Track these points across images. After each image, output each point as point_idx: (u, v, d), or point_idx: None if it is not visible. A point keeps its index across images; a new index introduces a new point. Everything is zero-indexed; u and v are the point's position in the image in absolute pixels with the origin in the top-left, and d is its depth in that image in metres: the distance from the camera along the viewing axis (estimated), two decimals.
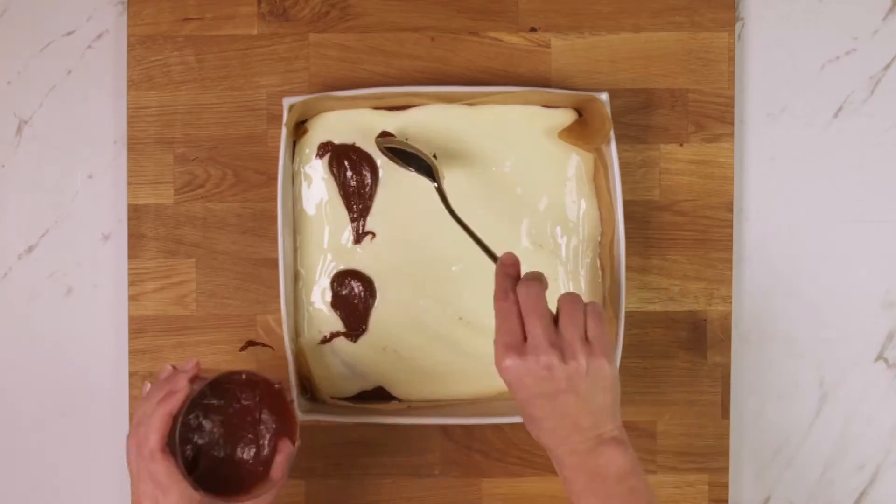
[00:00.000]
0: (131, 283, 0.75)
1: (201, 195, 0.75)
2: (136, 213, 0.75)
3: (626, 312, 0.70)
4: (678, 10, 0.75)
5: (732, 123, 0.76)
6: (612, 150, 0.70)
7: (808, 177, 0.78)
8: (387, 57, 0.75)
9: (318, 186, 0.74)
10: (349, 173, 0.74)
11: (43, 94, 0.76)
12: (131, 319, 0.75)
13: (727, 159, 0.76)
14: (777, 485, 0.78)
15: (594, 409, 0.58)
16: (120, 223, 0.76)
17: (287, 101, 0.69)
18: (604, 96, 0.70)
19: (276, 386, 0.61)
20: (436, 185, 0.70)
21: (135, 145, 0.75)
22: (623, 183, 0.71)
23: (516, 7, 0.75)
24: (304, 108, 0.71)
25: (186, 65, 0.75)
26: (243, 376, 0.61)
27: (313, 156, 0.73)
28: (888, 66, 0.78)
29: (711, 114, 0.76)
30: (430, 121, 0.73)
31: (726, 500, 0.76)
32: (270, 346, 0.75)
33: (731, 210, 0.76)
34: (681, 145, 0.76)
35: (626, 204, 0.71)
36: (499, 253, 0.64)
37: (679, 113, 0.76)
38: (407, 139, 0.72)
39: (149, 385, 0.62)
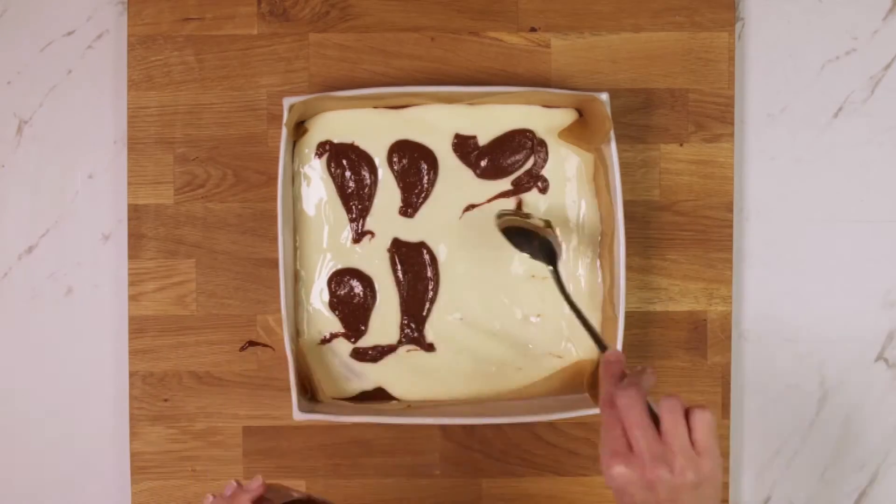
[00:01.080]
0: (131, 283, 0.75)
1: (201, 195, 0.75)
2: (136, 213, 0.75)
3: (626, 312, 0.70)
4: (678, 10, 0.75)
5: (732, 123, 0.76)
6: (613, 150, 0.70)
7: (808, 177, 0.78)
8: (387, 57, 0.75)
9: (317, 186, 0.74)
10: (348, 173, 0.74)
11: (43, 94, 0.76)
12: (131, 319, 0.75)
13: (727, 159, 0.76)
14: (777, 485, 0.78)
15: None
16: (120, 223, 0.76)
17: (287, 101, 0.69)
18: (604, 96, 0.70)
19: None
20: (551, 268, 0.69)
21: (135, 145, 0.75)
22: (623, 183, 0.71)
23: (516, 7, 0.75)
24: (304, 108, 0.71)
25: (186, 65, 0.75)
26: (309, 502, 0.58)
27: (312, 155, 0.73)
28: (888, 66, 0.78)
29: (711, 114, 0.76)
30: (430, 121, 0.73)
31: (726, 500, 0.76)
32: (270, 346, 0.75)
33: (731, 210, 0.76)
34: (681, 145, 0.76)
35: (626, 204, 0.71)
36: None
37: (679, 113, 0.76)
38: (529, 216, 0.72)
39: (210, 498, 0.59)
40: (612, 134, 0.69)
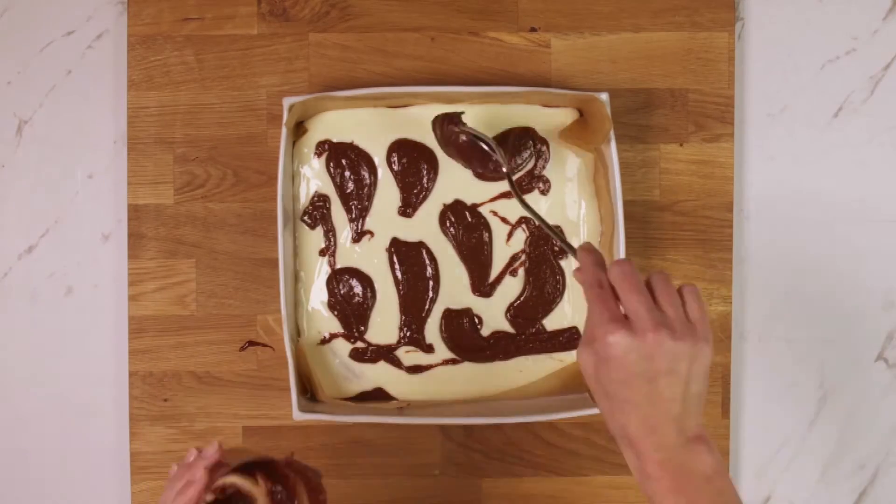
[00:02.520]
0: (131, 283, 0.75)
1: (201, 195, 0.75)
2: (136, 213, 0.75)
3: None
4: (678, 10, 0.75)
5: (732, 123, 0.76)
6: (612, 150, 0.70)
7: (808, 177, 0.78)
8: (387, 57, 0.75)
9: (316, 186, 0.74)
10: (347, 173, 0.74)
11: (43, 94, 0.76)
12: (131, 319, 0.75)
13: (727, 159, 0.76)
14: (777, 485, 0.78)
15: (688, 397, 0.54)
16: (120, 223, 0.76)
17: (287, 101, 0.69)
18: (604, 96, 0.70)
19: (310, 473, 0.57)
20: (505, 170, 0.70)
21: (135, 145, 0.75)
22: (623, 183, 0.71)
23: (516, 7, 0.75)
24: (303, 108, 0.71)
25: (186, 65, 0.75)
26: (269, 464, 0.56)
27: (312, 155, 0.74)
28: (888, 66, 0.78)
29: (711, 114, 0.76)
30: (430, 120, 0.73)
31: None
32: (270, 346, 0.75)
33: (731, 210, 0.76)
34: (681, 145, 0.76)
35: (626, 204, 0.71)
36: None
37: (679, 113, 0.76)
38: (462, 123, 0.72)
39: (175, 468, 0.59)
40: (612, 134, 0.69)
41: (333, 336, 0.74)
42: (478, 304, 0.75)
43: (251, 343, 0.75)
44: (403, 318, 0.74)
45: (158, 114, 0.75)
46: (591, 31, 0.75)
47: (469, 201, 0.74)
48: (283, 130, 0.69)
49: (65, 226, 0.77)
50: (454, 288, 0.74)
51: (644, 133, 0.75)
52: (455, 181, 0.74)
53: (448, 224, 0.74)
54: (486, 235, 0.74)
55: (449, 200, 0.74)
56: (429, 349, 0.74)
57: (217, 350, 0.75)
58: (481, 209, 0.74)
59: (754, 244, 0.77)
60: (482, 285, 0.74)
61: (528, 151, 0.73)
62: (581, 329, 0.74)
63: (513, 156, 0.73)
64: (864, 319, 0.78)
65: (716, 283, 0.76)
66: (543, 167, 0.74)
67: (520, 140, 0.73)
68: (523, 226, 0.74)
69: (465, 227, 0.74)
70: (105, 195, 0.77)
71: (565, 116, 0.74)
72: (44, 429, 0.77)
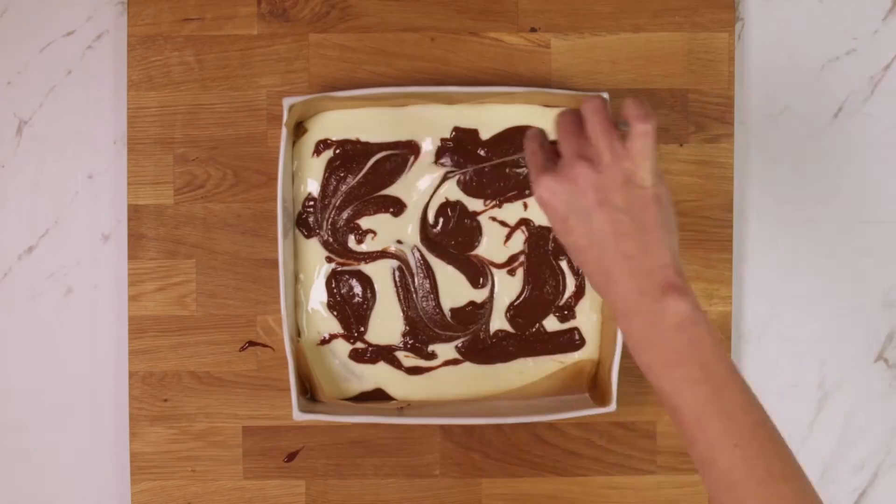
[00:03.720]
0: (131, 284, 0.75)
1: (201, 195, 0.75)
2: (136, 214, 0.75)
3: None
4: (678, 10, 0.75)
5: (732, 123, 0.76)
6: None
7: (808, 177, 0.78)
8: (387, 57, 0.75)
9: (316, 186, 0.74)
10: (346, 172, 0.74)
11: (43, 94, 0.76)
12: (131, 319, 0.75)
13: (727, 159, 0.76)
14: None
15: (639, 232, 0.52)
16: (120, 223, 0.76)
17: (287, 102, 0.69)
18: (604, 96, 0.70)
19: None
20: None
21: (135, 145, 0.75)
22: None
23: (516, 7, 0.75)
24: (304, 109, 0.71)
25: (186, 65, 0.75)
26: None
27: (311, 154, 0.73)
28: (888, 66, 0.78)
29: (711, 114, 0.76)
30: (430, 121, 0.73)
31: None
32: (270, 347, 0.75)
33: (731, 210, 0.76)
34: (681, 145, 0.76)
35: None
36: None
37: (679, 113, 0.76)
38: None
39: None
40: None
41: (333, 336, 0.74)
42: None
43: (251, 343, 0.75)
44: (406, 326, 0.74)
45: (158, 114, 0.75)
46: (591, 31, 0.75)
47: (469, 206, 0.74)
48: (284, 131, 0.69)
49: (65, 226, 0.77)
50: (453, 288, 0.74)
51: None
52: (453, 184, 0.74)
53: (443, 222, 0.74)
54: (479, 237, 0.74)
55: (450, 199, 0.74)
56: (430, 357, 0.74)
57: (217, 350, 0.75)
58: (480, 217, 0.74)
59: (754, 244, 0.77)
60: (477, 285, 0.74)
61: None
62: (581, 330, 0.75)
63: (520, 153, 0.73)
64: (864, 319, 0.78)
65: (716, 283, 0.76)
66: None
67: (519, 139, 0.73)
68: (522, 227, 0.74)
69: (462, 228, 0.74)
70: (105, 195, 0.77)
71: None
72: (44, 429, 0.77)
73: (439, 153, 0.74)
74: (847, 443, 0.78)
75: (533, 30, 0.75)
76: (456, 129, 0.74)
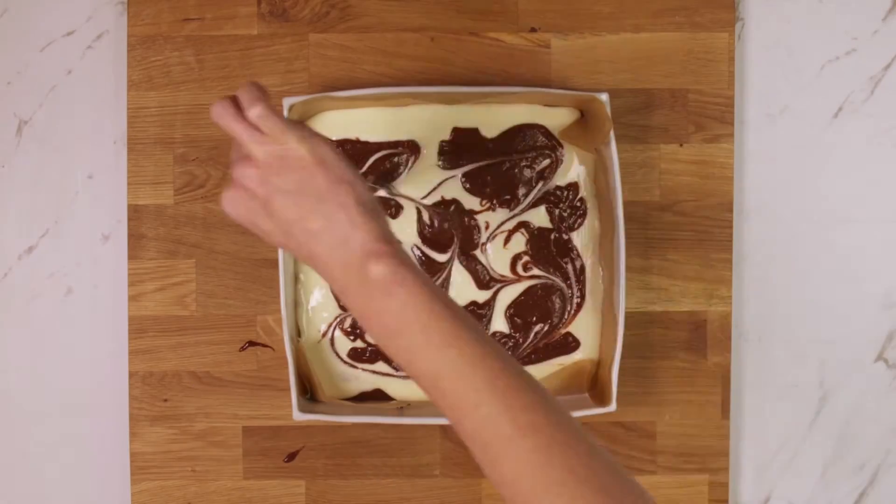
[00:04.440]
0: (131, 284, 0.75)
1: (201, 195, 0.75)
2: (136, 214, 0.75)
3: (626, 312, 0.70)
4: (678, 10, 0.75)
5: (732, 123, 0.76)
6: (612, 151, 0.69)
7: (808, 177, 0.78)
8: (387, 57, 0.75)
9: None
10: None
11: (43, 94, 0.76)
12: (131, 319, 0.75)
13: (727, 159, 0.76)
14: (777, 485, 0.78)
15: (318, 203, 0.50)
16: (120, 223, 0.76)
17: (287, 101, 0.69)
18: (604, 97, 0.70)
19: None
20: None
21: (135, 145, 0.75)
22: (623, 183, 0.71)
23: (516, 7, 0.75)
24: (304, 109, 0.71)
25: (186, 65, 0.75)
26: None
27: None
28: (888, 66, 0.78)
29: (711, 114, 0.76)
30: (430, 121, 0.73)
31: (726, 500, 0.76)
32: (270, 347, 0.75)
33: (731, 210, 0.76)
34: (681, 145, 0.76)
35: (626, 204, 0.71)
36: None
37: (679, 113, 0.76)
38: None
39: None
40: (611, 135, 0.69)
41: (330, 327, 0.74)
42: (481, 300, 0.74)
43: (251, 343, 0.75)
44: None
45: (158, 114, 0.75)
46: (591, 31, 0.75)
47: (466, 204, 0.74)
48: None
49: (65, 226, 0.77)
50: (454, 288, 0.74)
51: (644, 133, 0.75)
52: (456, 179, 0.74)
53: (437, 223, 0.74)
54: (478, 236, 0.74)
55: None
56: None
57: (217, 350, 0.75)
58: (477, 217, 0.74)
59: (754, 244, 0.77)
60: (481, 286, 0.74)
61: (543, 150, 0.74)
62: (575, 334, 0.74)
63: (524, 153, 0.73)
64: (863, 319, 0.78)
65: (716, 283, 0.76)
66: (556, 168, 0.74)
67: (529, 136, 0.74)
68: (522, 230, 0.74)
69: (461, 227, 0.74)
70: (105, 195, 0.77)
71: (567, 116, 0.74)
72: (44, 429, 0.77)
73: (439, 153, 0.74)
74: (847, 443, 0.78)
75: (533, 30, 0.75)
76: (455, 129, 0.74)
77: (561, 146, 0.74)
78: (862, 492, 0.78)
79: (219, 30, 0.75)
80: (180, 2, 0.75)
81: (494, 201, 0.74)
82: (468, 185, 0.74)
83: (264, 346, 0.75)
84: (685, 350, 0.76)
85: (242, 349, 0.75)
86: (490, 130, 0.74)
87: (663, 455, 0.76)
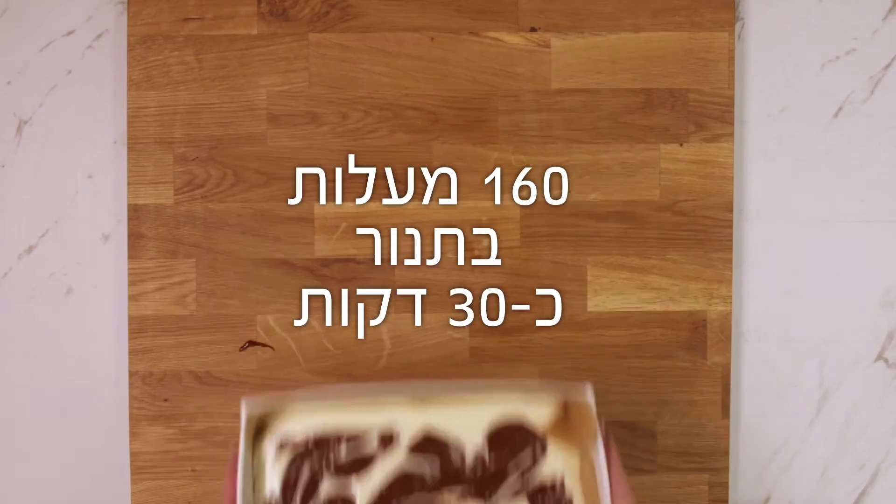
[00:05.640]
0: (131, 283, 0.75)
1: (201, 195, 0.75)
2: (136, 213, 0.75)
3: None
4: (678, 10, 0.75)
5: (732, 123, 0.76)
6: (600, 452, 0.59)
7: (808, 177, 0.78)
8: (387, 57, 0.75)
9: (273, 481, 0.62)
10: (305, 475, 0.61)
11: (43, 94, 0.76)
12: (131, 319, 0.75)
13: (727, 159, 0.76)
14: (777, 485, 0.78)
15: None
16: (120, 223, 0.76)
17: (246, 403, 0.61)
18: (588, 395, 0.60)
19: None
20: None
21: (135, 145, 0.75)
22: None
23: (516, 7, 0.75)
24: (264, 411, 0.62)
25: (186, 65, 0.75)
26: None
27: (270, 455, 0.62)
28: (888, 66, 0.78)
29: (711, 114, 0.76)
30: (399, 422, 0.62)
31: (726, 500, 0.76)
32: (270, 346, 0.75)
33: (731, 210, 0.76)
34: (681, 145, 0.76)
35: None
36: None
37: (679, 113, 0.76)
38: None
39: None
40: (599, 432, 0.59)
41: None
42: None
43: (251, 343, 0.75)
44: None
45: (158, 114, 0.75)
46: (591, 31, 0.76)
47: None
48: (242, 441, 0.60)
49: (65, 226, 0.77)
50: None
51: (644, 133, 0.75)
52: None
53: None
54: None
55: None
56: None
57: (217, 350, 0.75)
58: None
59: (754, 244, 0.77)
60: None
61: (527, 450, 0.61)
62: None
63: (510, 457, 0.61)
64: (863, 319, 0.78)
65: (716, 283, 0.76)
66: (537, 466, 0.61)
67: (515, 438, 0.61)
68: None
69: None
70: (105, 195, 0.77)
71: (549, 410, 0.62)
72: (44, 429, 0.77)
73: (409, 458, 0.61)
74: (847, 443, 0.78)
75: (533, 30, 0.75)
76: (426, 438, 0.61)
77: (544, 441, 0.61)
78: (862, 492, 0.78)
79: (219, 29, 0.75)
80: (180, 1, 0.75)
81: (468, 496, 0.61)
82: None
83: (264, 345, 0.75)
84: (685, 350, 0.76)
85: (242, 349, 0.75)
86: (461, 444, 0.61)
87: (663, 455, 0.76)
